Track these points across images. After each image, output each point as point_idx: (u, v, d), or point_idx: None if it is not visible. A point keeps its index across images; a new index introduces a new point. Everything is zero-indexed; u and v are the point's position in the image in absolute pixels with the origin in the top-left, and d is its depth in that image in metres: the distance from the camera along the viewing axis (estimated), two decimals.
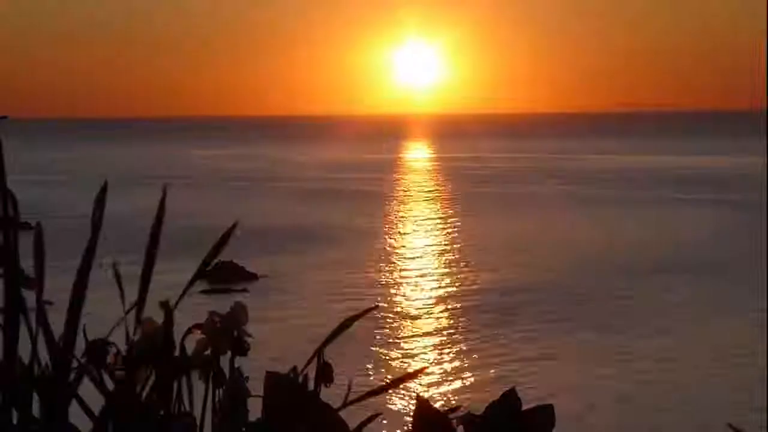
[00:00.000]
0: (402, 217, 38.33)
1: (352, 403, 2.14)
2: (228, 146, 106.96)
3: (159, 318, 2.11)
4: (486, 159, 76.24)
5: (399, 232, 33.60)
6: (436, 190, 51.43)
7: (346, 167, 67.76)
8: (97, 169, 62.07)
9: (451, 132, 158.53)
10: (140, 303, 2.04)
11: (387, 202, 43.58)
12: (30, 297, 2.02)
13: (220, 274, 22.53)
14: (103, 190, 2.01)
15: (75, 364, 2.04)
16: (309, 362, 2.24)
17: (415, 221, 36.83)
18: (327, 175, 59.54)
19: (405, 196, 47.64)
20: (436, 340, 18.27)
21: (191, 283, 2.06)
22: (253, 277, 23.76)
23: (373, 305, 2.25)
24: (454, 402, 13.61)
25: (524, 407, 2.81)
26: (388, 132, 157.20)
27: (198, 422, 2.22)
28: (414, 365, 16.25)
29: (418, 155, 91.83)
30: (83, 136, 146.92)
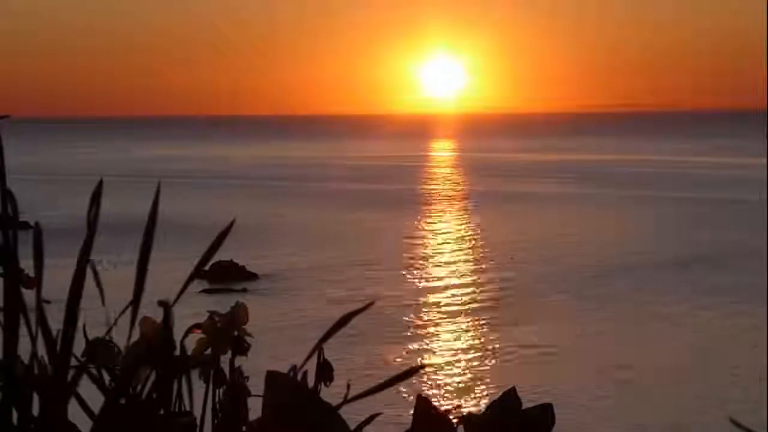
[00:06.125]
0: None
1: (352, 400, 2.14)
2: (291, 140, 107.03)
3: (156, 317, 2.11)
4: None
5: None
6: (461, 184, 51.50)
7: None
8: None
9: (480, 131, 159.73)
10: (135, 302, 2.04)
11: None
12: (30, 296, 2.02)
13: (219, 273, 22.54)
14: (99, 187, 2.00)
15: (75, 363, 2.05)
16: (308, 358, 2.24)
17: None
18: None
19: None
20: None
21: (189, 281, 2.06)
22: (253, 276, 23.74)
23: (371, 301, 2.24)
24: None
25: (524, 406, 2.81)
26: (422, 130, 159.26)
27: (198, 422, 2.22)
28: None
29: (442, 153, 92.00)
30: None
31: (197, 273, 2.07)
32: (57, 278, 2.73)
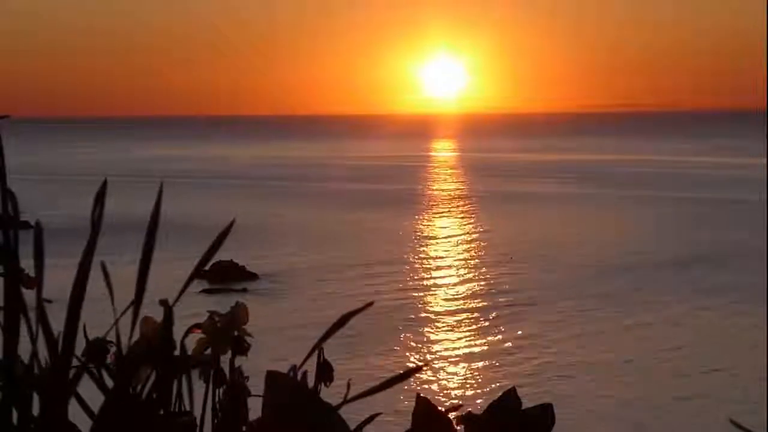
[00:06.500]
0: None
1: (351, 400, 2.14)
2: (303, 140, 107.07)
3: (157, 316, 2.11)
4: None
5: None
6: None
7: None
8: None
9: (480, 131, 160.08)
10: (137, 302, 2.04)
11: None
12: (30, 296, 2.02)
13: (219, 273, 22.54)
14: (103, 187, 2.00)
15: (75, 363, 2.05)
16: (307, 358, 2.24)
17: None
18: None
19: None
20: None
21: (189, 281, 2.06)
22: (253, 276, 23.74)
23: (370, 302, 2.24)
24: None
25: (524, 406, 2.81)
26: (422, 130, 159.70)
27: (198, 422, 2.22)
28: None
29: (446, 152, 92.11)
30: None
31: (197, 273, 2.07)
32: (57, 278, 2.74)
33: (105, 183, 1.97)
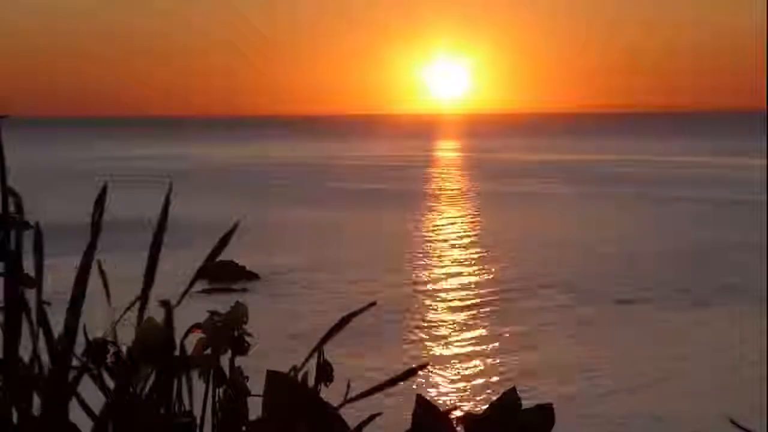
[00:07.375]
0: None
1: (351, 400, 2.15)
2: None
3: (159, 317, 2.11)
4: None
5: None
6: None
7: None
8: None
9: (483, 131, 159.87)
10: (143, 302, 2.05)
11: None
12: (30, 296, 2.03)
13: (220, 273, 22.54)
14: (103, 191, 2.01)
15: (76, 363, 2.05)
16: (308, 359, 2.24)
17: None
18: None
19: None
20: None
21: (193, 282, 2.07)
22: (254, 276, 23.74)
23: (372, 302, 2.24)
24: None
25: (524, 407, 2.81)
26: (425, 131, 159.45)
27: (198, 422, 2.22)
28: None
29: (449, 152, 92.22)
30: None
31: (201, 274, 2.08)
32: (57, 278, 2.74)
33: (105, 187, 1.98)
